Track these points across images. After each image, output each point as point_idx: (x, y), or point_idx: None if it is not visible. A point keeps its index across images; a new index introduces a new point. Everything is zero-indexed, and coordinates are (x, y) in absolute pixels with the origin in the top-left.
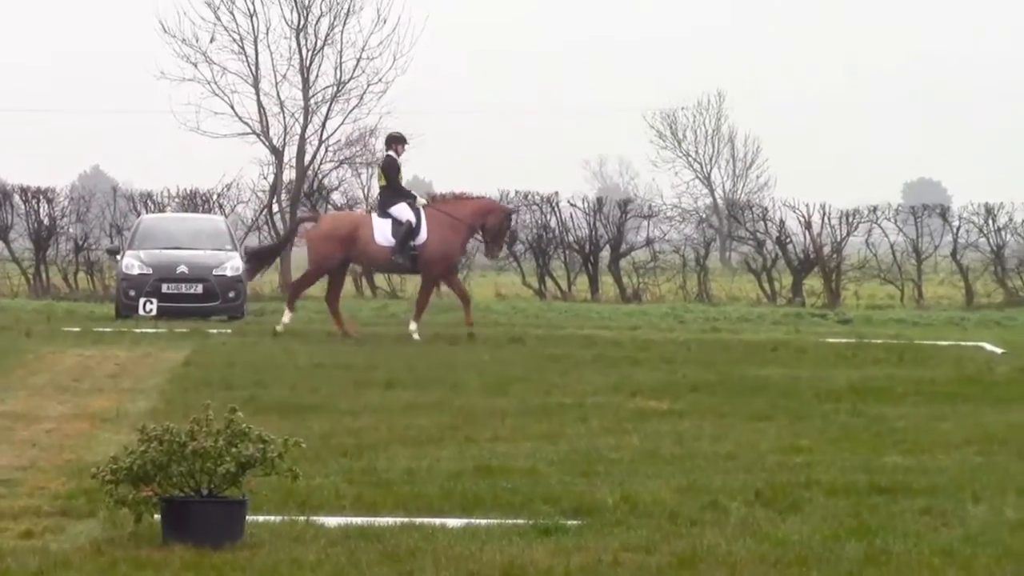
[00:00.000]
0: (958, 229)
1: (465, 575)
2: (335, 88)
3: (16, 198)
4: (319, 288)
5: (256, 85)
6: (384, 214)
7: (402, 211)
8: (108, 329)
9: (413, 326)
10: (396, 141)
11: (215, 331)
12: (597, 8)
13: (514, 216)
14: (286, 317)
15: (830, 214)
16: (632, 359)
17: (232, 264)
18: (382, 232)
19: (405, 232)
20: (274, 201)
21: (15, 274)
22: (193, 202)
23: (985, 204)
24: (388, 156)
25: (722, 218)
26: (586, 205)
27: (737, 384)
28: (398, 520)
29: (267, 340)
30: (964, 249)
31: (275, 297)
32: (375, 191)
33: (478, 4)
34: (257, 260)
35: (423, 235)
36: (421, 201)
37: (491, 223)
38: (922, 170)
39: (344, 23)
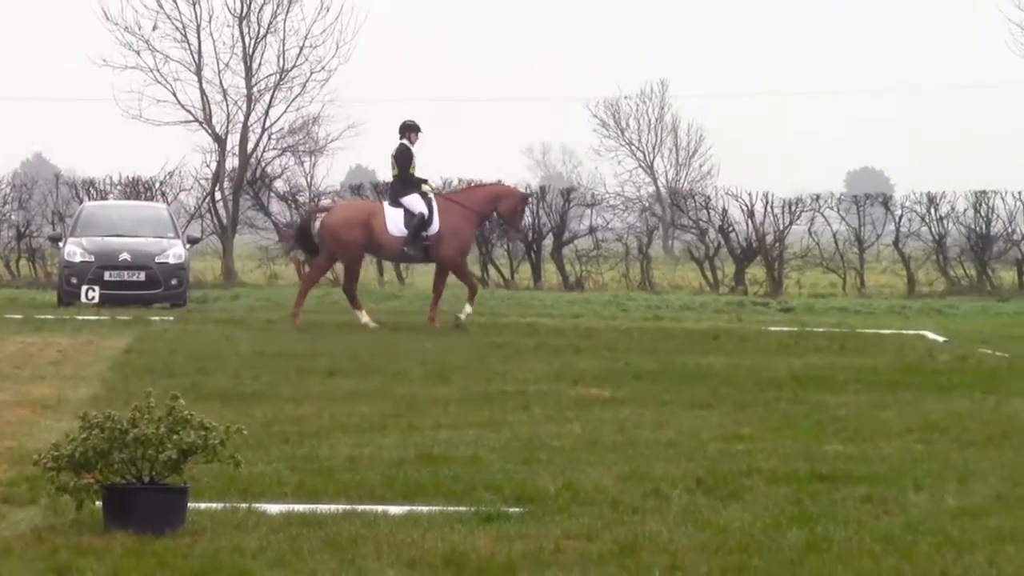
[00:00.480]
0: (900, 218)
1: (407, 562)
2: (278, 76)
3: None
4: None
5: (199, 73)
6: (396, 204)
7: (415, 202)
8: (50, 316)
9: (468, 308)
10: (410, 129)
11: (157, 318)
12: None
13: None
14: (364, 317)
15: (773, 203)
16: (574, 347)
17: (174, 252)
18: (395, 222)
19: (418, 223)
20: (216, 189)
21: None
22: (135, 189)
23: (927, 193)
24: (401, 144)
25: (665, 207)
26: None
27: (679, 372)
28: (340, 507)
29: (209, 328)
30: (906, 238)
31: (217, 285)
32: (318, 179)
33: None
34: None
35: (435, 226)
36: (427, 187)
37: (504, 208)
38: (865, 159)
39: (287, 11)
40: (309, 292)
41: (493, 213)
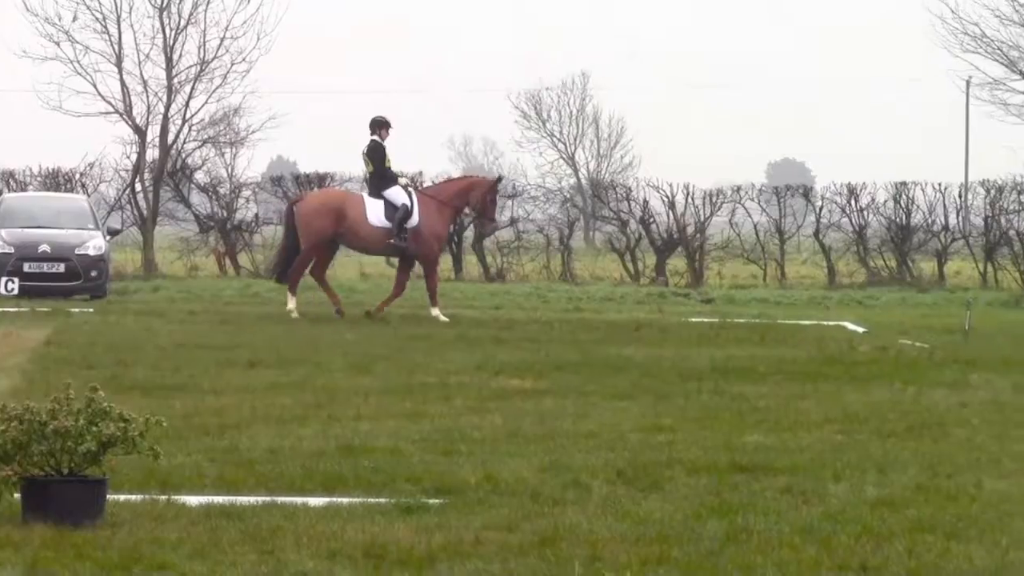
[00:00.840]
0: (821, 209)
1: (327, 554)
2: (199, 67)
3: None
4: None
5: (119, 64)
6: (377, 195)
7: (397, 194)
8: None
9: (435, 312)
10: (380, 126)
11: (77, 310)
12: None
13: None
14: (291, 303)
15: (694, 194)
16: (495, 338)
17: (94, 243)
18: (376, 213)
19: (402, 215)
20: (137, 180)
21: None
22: (55, 181)
23: (848, 184)
24: (373, 141)
25: (586, 198)
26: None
27: (600, 363)
28: (260, 499)
29: (129, 319)
30: (827, 229)
31: (137, 276)
32: (239, 170)
33: None
34: (286, 264)
35: (415, 218)
36: (403, 181)
37: (475, 199)
38: (786, 151)
39: (208, 2)
40: (327, 277)
41: (465, 207)
